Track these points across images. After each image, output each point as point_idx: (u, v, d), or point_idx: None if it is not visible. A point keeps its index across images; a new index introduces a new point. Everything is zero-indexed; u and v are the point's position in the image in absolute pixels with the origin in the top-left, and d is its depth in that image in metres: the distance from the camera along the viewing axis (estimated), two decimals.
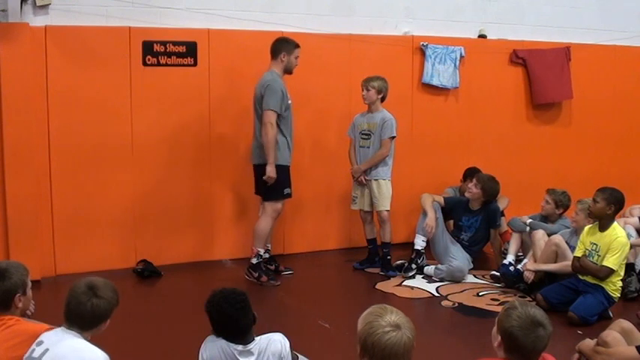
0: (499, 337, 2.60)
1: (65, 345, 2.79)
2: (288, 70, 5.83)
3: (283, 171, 5.75)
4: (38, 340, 2.84)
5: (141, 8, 6.11)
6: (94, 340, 2.88)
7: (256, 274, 5.81)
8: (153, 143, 6.20)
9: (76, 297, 2.87)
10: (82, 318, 2.85)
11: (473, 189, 6.18)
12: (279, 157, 5.70)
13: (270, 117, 5.61)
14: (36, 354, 2.78)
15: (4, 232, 5.68)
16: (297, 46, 5.84)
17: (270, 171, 5.64)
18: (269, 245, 6.21)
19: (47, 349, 2.77)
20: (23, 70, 5.61)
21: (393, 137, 6.11)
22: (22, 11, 5.69)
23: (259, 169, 5.77)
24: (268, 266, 6.17)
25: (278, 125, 5.68)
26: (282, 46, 5.80)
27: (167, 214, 6.33)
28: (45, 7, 5.82)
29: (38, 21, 5.81)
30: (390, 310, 2.42)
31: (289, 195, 5.90)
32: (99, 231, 6.06)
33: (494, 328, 2.63)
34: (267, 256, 6.19)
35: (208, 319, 3.22)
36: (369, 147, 6.16)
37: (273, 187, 5.73)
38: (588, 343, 4.00)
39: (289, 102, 5.78)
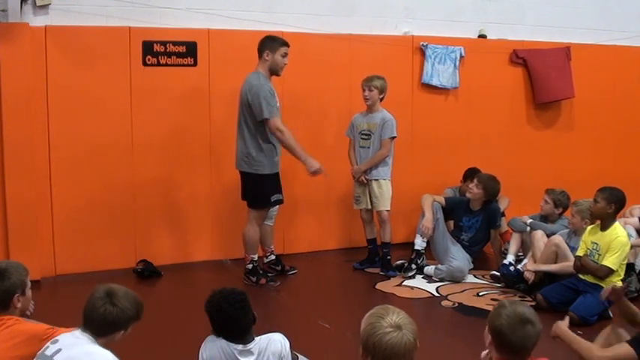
0: (489, 336, 2.64)
1: (78, 348, 2.77)
2: (274, 71, 5.60)
3: (269, 179, 5.63)
4: (54, 338, 2.84)
5: (141, 8, 6.11)
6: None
7: (254, 278, 5.78)
8: (153, 143, 6.20)
9: (92, 301, 2.86)
10: (93, 323, 2.83)
11: (474, 189, 6.17)
12: (265, 166, 5.56)
13: (275, 123, 5.44)
14: (49, 352, 2.78)
15: (4, 232, 5.68)
16: (283, 44, 5.57)
17: (311, 165, 5.55)
18: (272, 247, 6.21)
19: (60, 349, 2.77)
20: (23, 70, 5.61)
21: (394, 137, 6.10)
22: (22, 11, 5.69)
23: (245, 177, 5.71)
24: (275, 267, 6.16)
25: (263, 131, 5.51)
26: (266, 44, 5.55)
27: (167, 214, 6.33)
28: (45, 7, 5.82)
29: (38, 21, 5.81)
30: (393, 310, 2.43)
31: (280, 201, 5.79)
32: (99, 231, 6.06)
33: (486, 328, 2.67)
34: (272, 257, 6.19)
35: (208, 319, 3.22)
36: (369, 147, 6.15)
37: (258, 195, 5.65)
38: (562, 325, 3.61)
39: (277, 105, 5.58)
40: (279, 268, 6.18)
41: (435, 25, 7.23)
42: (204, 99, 6.33)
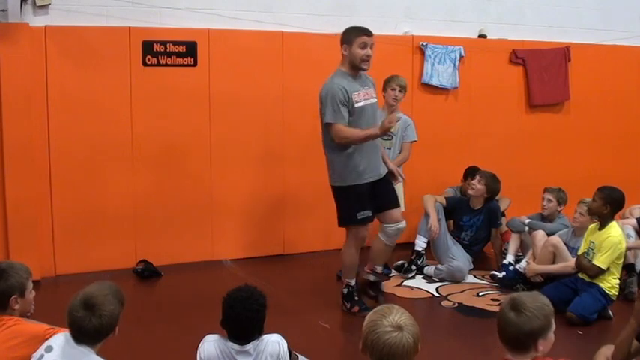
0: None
1: None
2: (354, 65, 4.88)
3: (350, 193, 4.89)
4: (47, 345, 2.80)
5: (141, 8, 6.11)
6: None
7: (348, 305, 5.17)
8: (153, 143, 6.19)
9: (76, 320, 2.76)
10: (85, 336, 2.78)
11: (476, 185, 6.16)
12: (343, 177, 4.89)
13: (337, 130, 4.75)
14: None
15: (4, 232, 5.68)
16: (360, 34, 4.85)
17: (389, 120, 4.67)
18: (378, 268, 5.31)
19: None
20: (23, 70, 5.61)
21: (414, 141, 6.06)
22: (22, 11, 5.69)
23: (333, 191, 5.07)
24: (369, 290, 5.35)
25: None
26: (343, 37, 4.91)
27: (167, 214, 6.33)
28: (45, 7, 5.82)
29: (38, 21, 5.81)
30: (397, 310, 2.42)
31: (367, 219, 4.96)
32: (99, 231, 6.06)
33: None
34: (371, 278, 5.32)
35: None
36: (389, 148, 5.96)
37: (342, 211, 5.00)
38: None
39: (358, 104, 4.84)
40: (372, 293, 5.34)
41: (434, 25, 7.23)
42: (204, 99, 6.33)
